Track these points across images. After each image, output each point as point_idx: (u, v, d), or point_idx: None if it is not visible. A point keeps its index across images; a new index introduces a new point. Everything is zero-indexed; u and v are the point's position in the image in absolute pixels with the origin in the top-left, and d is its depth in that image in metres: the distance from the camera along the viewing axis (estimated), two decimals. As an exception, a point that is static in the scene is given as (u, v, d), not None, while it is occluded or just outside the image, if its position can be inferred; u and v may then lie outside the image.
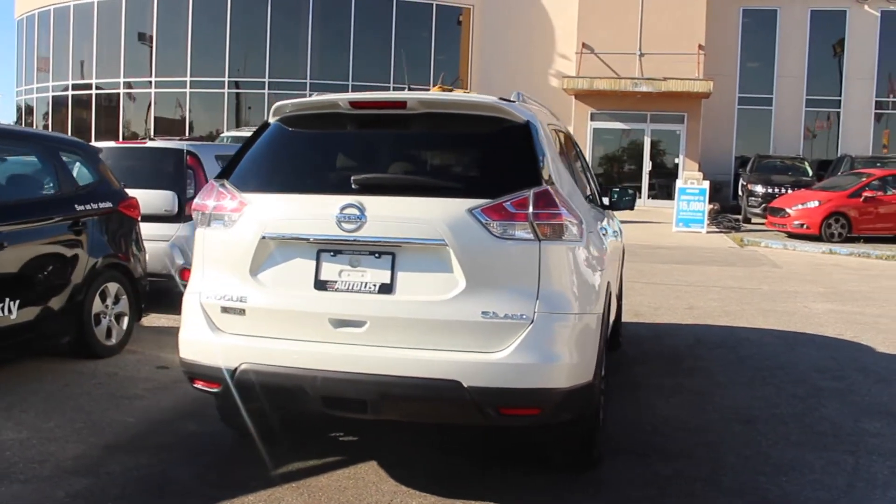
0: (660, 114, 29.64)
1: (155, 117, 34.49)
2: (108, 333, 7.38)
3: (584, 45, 29.97)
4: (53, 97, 37.60)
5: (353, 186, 4.36)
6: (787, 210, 21.12)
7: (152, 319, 8.62)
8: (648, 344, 8.48)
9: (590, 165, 7.68)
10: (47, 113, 37.84)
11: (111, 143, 10.21)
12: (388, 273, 4.25)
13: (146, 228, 8.21)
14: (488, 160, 4.62)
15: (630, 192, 7.03)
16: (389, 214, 4.25)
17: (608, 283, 5.27)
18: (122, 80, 34.96)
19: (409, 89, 5.63)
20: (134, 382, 6.60)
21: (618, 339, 7.80)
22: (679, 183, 23.53)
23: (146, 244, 8.15)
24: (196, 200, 4.72)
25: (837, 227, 20.23)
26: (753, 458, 5.21)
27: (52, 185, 7.16)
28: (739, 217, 24.69)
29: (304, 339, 4.30)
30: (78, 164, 7.53)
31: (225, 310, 4.47)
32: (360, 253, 4.30)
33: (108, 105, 35.72)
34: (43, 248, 6.74)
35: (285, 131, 4.84)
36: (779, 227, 21.35)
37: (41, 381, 6.50)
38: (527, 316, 4.11)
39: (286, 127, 4.84)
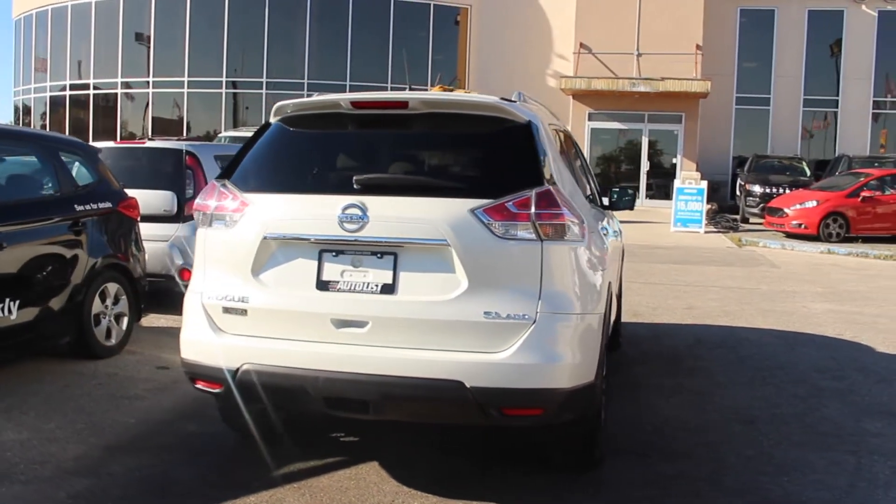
0: (657, 114, 29.65)
1: (152, 117, 34.45)
2: (108, 334, 7.36)
3: (581, 45, 29.98)
4: (51, 97, 37.55)
5: (354, 186, 4.35)
6: (785, 210, 21.13)
7: (151, 320, 8.61)
8: (648, 344, 8.48)
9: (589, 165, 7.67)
10: (45, 113, 37.79)
11: (110, 143, 10.19)
12: (391, 273, 4.24)
13: (145, 228, 8.19)
14: (490, 160, 4.61)
15: (630, 191, 7.03)
16: (392, 214, 4.25)
17: (609, 283, 5.27)
18: (119, 80, 34.92)
19: (411, 89, 5.62)
20: (134, 383, 6.59)
21: (617, 340, 7.80)
22: (677, 183, 23.53)
23: (145, 244, 8.13)
24: (197, 200, 4.72)
25: (835, 227, 20.24)
26: (755, 458, 5.21)
27: (51, 185, 7.15)
28: (737, 217, 24.73)
29: (306, 340, 4.29)
30: (77, 164, 7.51)
31: (227, 310, 4.46)
32: (362, 253, 4.30)
33: (106, 105, 35.67)
34: (43, 248, 6.73)
35: (287, 131, 4.84)
36: (777, 226, 21.36)
37: (41, 382, 6.49)
38: (529, 316, 4.11)
39: (287, 127, 4.84)
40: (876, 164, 24.72)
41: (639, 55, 29.48)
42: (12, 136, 7.64)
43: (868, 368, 7.61)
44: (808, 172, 26.81)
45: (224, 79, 33.53)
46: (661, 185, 29.65)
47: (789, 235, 20.71)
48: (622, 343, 8.04)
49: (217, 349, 4.45)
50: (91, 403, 6.02)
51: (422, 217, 4.21)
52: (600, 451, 4.87)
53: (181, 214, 9.00)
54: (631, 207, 7.08)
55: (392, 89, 29.15)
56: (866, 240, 20.01)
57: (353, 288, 4.27)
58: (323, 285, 4.31)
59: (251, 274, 4.42)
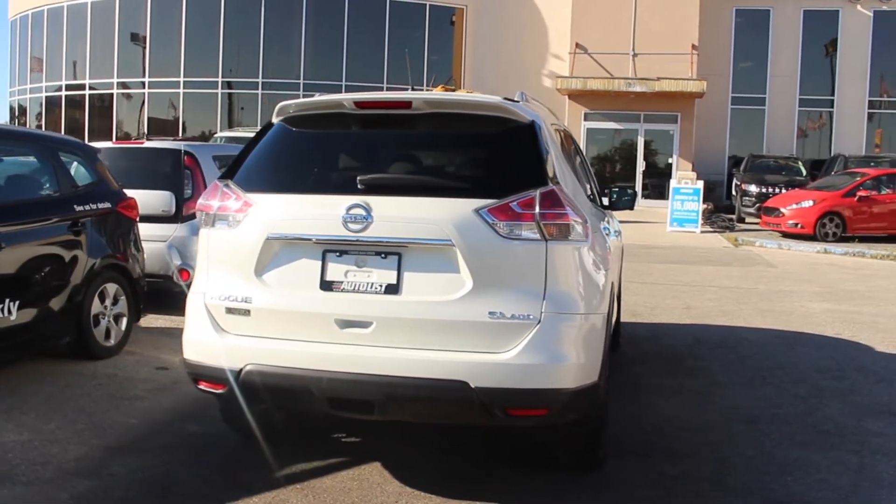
0: (653, 114, 29.65)
1: (148, 118, 34.42)
2: (107, 334, 7.34)
3: (577, 45, 29.98)
4: (47, 97, 37.50)
5: (358, 186, 4.34)
6: (782, 209, 21.16)
7: (150, 320, 8.58)
8: (647, 344, 8.48)
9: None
10: (40, 113, 37.76)
11: (109, 144, 10.17)
12: (395, 273, 4.23)
13: (143, 229, 8.16)
14: (494, 160, 4.61)
15: (630, 191, 7.02)
16: (396, 214, 4.23)
17: (612, 283, 5.27)
18: (115, 80, 34.86)
19: (413, 89, 5.62)
20: (134, 383, 6.57)
21: (617, 340, 7.79)
22: (673, 183, 23.55)
23: (143, 244, 8.11)
24: (200, 200, 4.70)
25: (832, 227, 20.28)
26: (757, 457, 5.21)
27: (51, 185, 7.13)
28: (733, 217, 24.76)
29: (310, 340, 4.28)
30: (76, 164, 7.49)
31: (229, 310, 4.45)
32: (366, 253, 4.29)
33: (102, 105, 35.62)
34: (42, 248, 6.71)
35: (289, 131, 4.82)
36: (773, 226, 21.39)
37: (41, 383, 6.47)
38: (534, 316, 4.10)
39: (290, 127, 4.82)
40: (872, 164, 24.76)
41: (634, 55, 29.50)
42: (12, 137, 7.62)
43: (868, 368, 7.62)
44: (804, 172, 26.84)
45: (220, 79, 33.50)
46: (657, 185, 29.66)
47: (786, 235, 20.75)
48: (622, 343, 8.03)
49: (220, 350, 4.44)
50: (91, 404, 6.00)
51: (426, 217, 4.20)
52: (603, 451, 4.86)
53: (179, 215, 8.99)
54: (631, 207, 7.08)
55: (388, 89, 29.13)
56: (863, 239, 20.05)
57: (356, 288, 4.26)
58: (327, 285, 4.30)
59: (254, 274, 4.41)
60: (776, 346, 8.52)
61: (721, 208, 26.45)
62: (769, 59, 31.94)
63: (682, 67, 28.80)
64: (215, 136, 25.29)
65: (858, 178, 21.35)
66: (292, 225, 4.39)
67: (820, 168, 28.18)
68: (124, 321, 7.56)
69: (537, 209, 4.16)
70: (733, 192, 27.17)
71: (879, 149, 31.05)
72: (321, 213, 4.34)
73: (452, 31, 33.76)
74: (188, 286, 4.90)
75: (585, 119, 30.16)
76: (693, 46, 29.09)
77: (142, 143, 10.81)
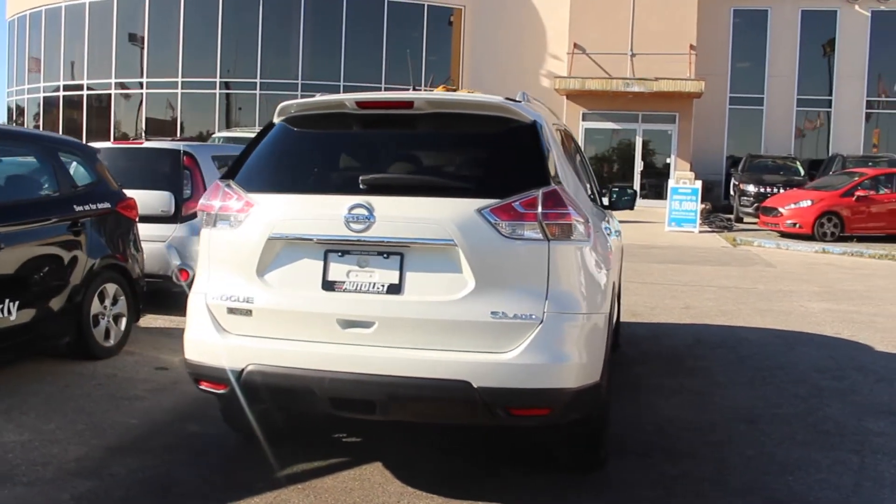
0: (651, 114, 29.66)
1: (146, 118, 34.40)
2: (107, 334, 7.33)
3: (575, 45, 29.99)
4: (44, 98, 37.49)
5: (361, 186, 4.34)
6: (780, 209, 21.18)
7: (148, 320, 8.57)
8: (647, 344, 8.47)
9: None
10: (38, 114, 37.75)
11: (108, 144, 10.15)
12: (397, 273, 4.23)
13: (143, 229, 8.15)
14: (496, 160, 4.60)
15: (629, 191, 7.01)
16: (398, 214, 4.23)
17: (613, 282, 5.27)
18: (113, 80, 34.85)
19: (414, 89, 5.61)
20: (133, 384, 6.57)
21: (617, 340, 7.78)
22: (671, 183, 23.57)
23: (143, 245, 8.09)
24: (202, 200, 4.70)
25: (830, 227, 20.29)
26: (758, 457, 5.21)
27: (50, 185, 7.12)
28: (731, 216, 24.78)
29: (312, 340, 4.27)
30: (76, 164, 7.48)
31: (231, 311, 4.44)
32: (368, 253, 4.28)
33: (99, 106, 35.60)
34: (42, 248, 6.69)
35: (290, 131, 4.82)
36: (771, 226, 21.41)
37: (41, 383, 6.46)
38: (536, 316, 4.10)
39: (291, 127, 4.82)
40: (870, 164, 24.80)
41: (633, 55, 29.51)
42: (11, 137, 7.61)
43: (867, 367, 7.62)
44: (802, 172, 26.85)
45: (218, 79, 33.48)
46: (655, 185, 29.68)
47: (784, 235, 20.76)
48: (621, 343, 8.03)
49: (221, 350, 4.43)
50: (91, 404, 5.99)
51: (429, 217, 4.19)
52: (605, 450, 4.86)
53: (179, 215, 8.98)
54: (631, 207, 7.08)
55: (386, 89, 29.14)
56: (861, 239, 20.07)
57: (359, 288, 4.25)
58: (329, 285, 4.29)
59: (256, 274, 4.40)
60: (776, 345, 8.52)
61: (719, 208, 26.46)
62: (767, 59, 31.97)
63: (680, 67, 28.82)
64: (213, 136, 25.26)
65: (856, 178, 21.37)
66: (294, 225, 4.38)
67: (818, 168, 28.20)
68: (124, 321, 7.55)
69: (540, 209, 4.16)
70: (731, 192, 27.19)
71: (877, 148, 31.07)
72: (323, 213, 4.34)
73: (450, 31, 33.76)
74: (188, 286, 4.90)
75: (583, 119, 30.17)
76: (691, 46, 29.10)
77: (141, 143, 10.78)
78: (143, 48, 34.26)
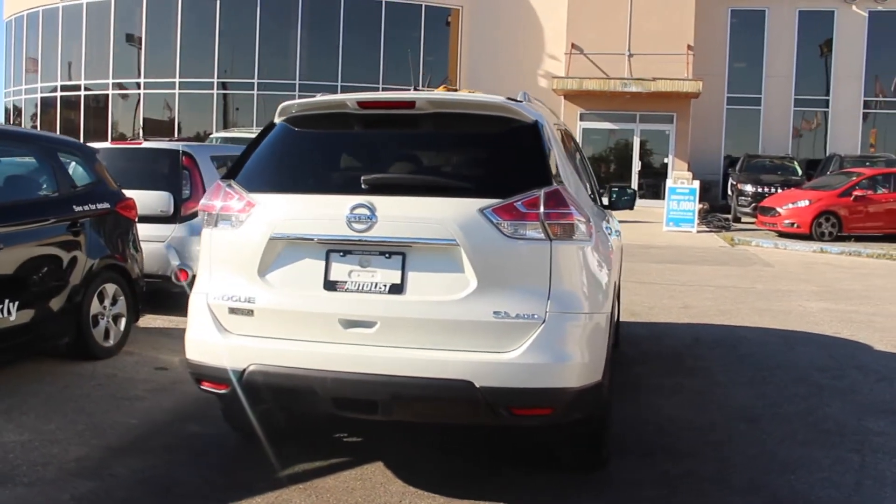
0: (649, 114, 29.65)
1: (143, 118, 34.37)
2: (106, 335, 7.32)
3: (573, 45, 29.97)
4: (42, 98, 37.44)
5: (362, 186, 4.33)
6: (778, 209, 21.19)
7: (148, 320, 8.55)
8: (647, 344, 8.47)
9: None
10: (35, 114, 37.69)
11: (107, 144, 10.13)
12: (399, 273, 4.22)
13: (142, 229, 8.14)
14: (498, 160, 4.59)
15: (629, 191, 7.02)
16: (400, 214, 4.22)
17: (614, 282, 5.27)
18: (110, 81, 34.82)
19: (416, 89, 5.60)
20: (133, 384, 6.56)
21: (617, 339, 7.77)
22: (669, 183, 23.59)
23: (142, 245, 8.08)
24: (203, 200, 4.69)
25: (828, 226, 20.31)
26: (760, 456, 5.21)
27: (49, 185, 7.10)
28: (729, 216, 24.80)
29: (314, 340, 4.26)
30: (75, 164, 7.47)
31: (233, 311, 4.43)
32: (370, 253, 4.28)
33: (97, 106, 35.56)
34: (41, 249, 6.68)
35: (291, 131, 4.81)
36: (769, 226, 21.43)
37: (41, 383, 6.45)
38: (538, 316, 4.10)
39: (293, 127, 4.81)
40: (867, 164, 24.83)
41: (630, 55, 29.49)
42: (10, 137, 7.58)
43: (867, 367, 7.63)
44: (800, 172, 26.90)
45: (215, 80, 33.45)
46: (653, 185, 29.67)
47: (782, 234, 20.78)
48: (621, 343, 8.03)
49: (223, 350, 4.42)
50: (91, 404, 5.98)
51: (431, 217, 4.19)
52: (607, 450, 4.86)
53: (178, 215, 8.96)
54: (631, 207, 7.09)
55: (384, 90, 29.14)
56: (858, 239, 20.09)
57: (360, 288, 4.25)
58: (330, 285, 4.29)
59: (257, 274, 4.39)
60: (775, 345, 8.52)
61: (717, 208, 26.49)
62: (764, 60, 31.99)
63: (677, 68, 28.81)
64: (211, 136, 25.25)
65: (854, 178, 21.39)
66: (295, 225, 4.38)
67: (815, 168, 28.23)
68: (123, 321, 7.54)
69: (542, 209, 4.15)
70: (729, 192, 27.21)
71: (874, 148, 31.10)
72: (325, 212, 4.33)
73: (448, 31, 33.76)
74: (187, 286, 4.89)
75: (581, 119, 30.15)
76: (689, 47, 29.09)
77: (140, 143, 10.75)
78: (140, 49, 34.23)
